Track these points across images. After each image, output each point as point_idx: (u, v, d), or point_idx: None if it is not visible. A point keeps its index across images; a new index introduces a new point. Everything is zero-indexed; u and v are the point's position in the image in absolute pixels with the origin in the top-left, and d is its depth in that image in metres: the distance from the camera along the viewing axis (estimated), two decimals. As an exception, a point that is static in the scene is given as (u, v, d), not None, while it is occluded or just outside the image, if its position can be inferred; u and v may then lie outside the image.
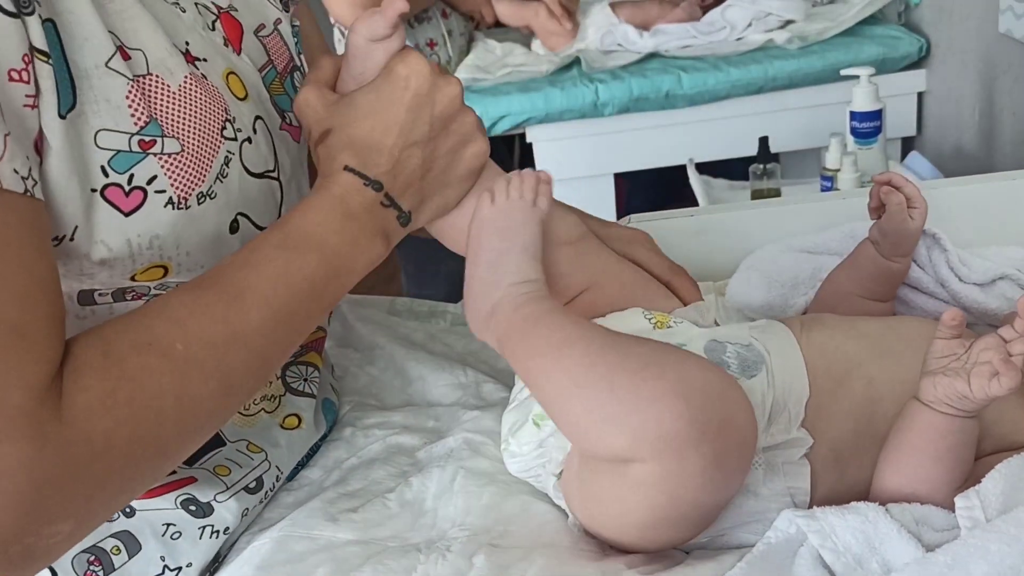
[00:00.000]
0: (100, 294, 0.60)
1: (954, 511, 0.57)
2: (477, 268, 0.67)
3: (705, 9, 1.94)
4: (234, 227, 0.64)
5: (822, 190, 1.54)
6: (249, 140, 0.65)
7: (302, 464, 0.78)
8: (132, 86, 0.57)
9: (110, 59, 0.56)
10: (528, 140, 1.88)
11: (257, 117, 0.66)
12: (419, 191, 0.66)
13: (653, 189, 2.31)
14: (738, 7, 1.88)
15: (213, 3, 0.67)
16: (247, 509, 0.70)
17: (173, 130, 0.59)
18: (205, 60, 0.63)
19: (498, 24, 2.12)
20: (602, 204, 1.91)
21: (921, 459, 0.60)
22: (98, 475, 0.50)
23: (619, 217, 2.02)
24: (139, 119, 0.57)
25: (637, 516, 0.59)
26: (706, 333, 0.69)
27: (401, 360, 0.89)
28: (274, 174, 0.68)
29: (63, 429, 0.48)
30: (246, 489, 0.71)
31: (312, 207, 0.62)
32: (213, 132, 0.61)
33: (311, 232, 0.61)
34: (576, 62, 1.90)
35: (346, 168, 0.64)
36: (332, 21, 1.86)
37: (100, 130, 0.55)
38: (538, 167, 1.89)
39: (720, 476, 0.57)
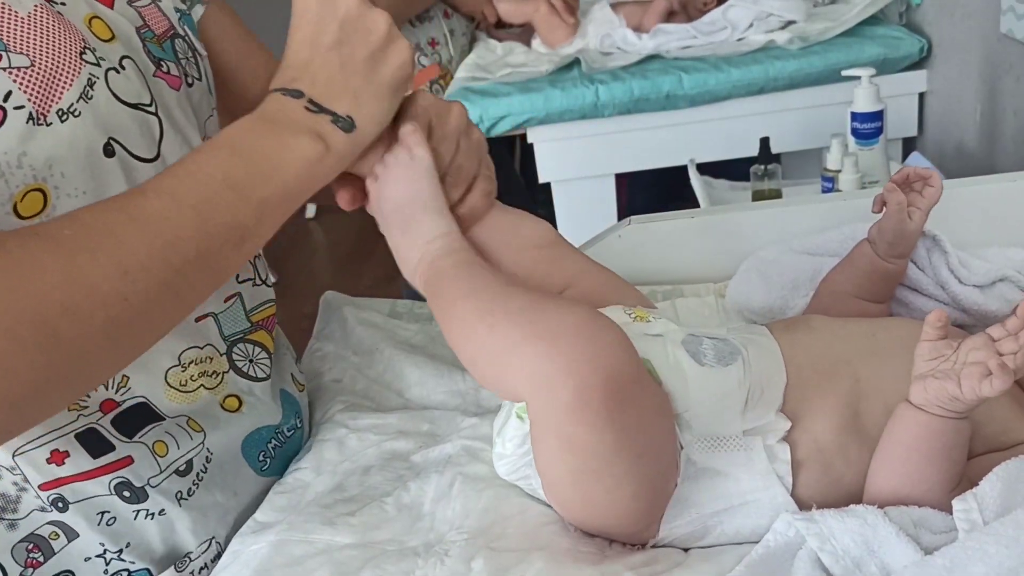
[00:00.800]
0: None
1: (950, 513, 0.57)
2: (392, 239, 0.73)
3: (705, 10, 1.94)
4: (108, 151, 0.64)
5: (823, 191, 1.53)
6: (116, 71, 0.66)
7: (278, 461, 0.77)
8: None
9: None
10: (529, 141, 1.88)
11: (125, 56, 0.68)
12: (348, 94, 0.67)
13: (654, 189, 2.31)
14: (740, 7, 1.88)
15: None
16: (180, 492, 0.70)
17: (20, 47, 0.60)
18: (64, 4, 0.65)
19: (500, 24, 2.12)
20: (603, 205, 1.91)
21: (914, 461, 0.60)
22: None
23: (620, 218, 2.03)
24: None
25: (555, 470, 0.63)
26: (685, 328, 0.71)
27: (400, 365, 0.89)
28: (150, 108, 0.68)
29: None
30: (177, 472, 0.70)
31: (234, 124, 0.64)
32: (69, 53, 0.62)
33: (228, 136, 0.63)
34: (576, 63, 1.90)
35: (270, 92, 0.67)
36: None
37: None
38: (539, 168, 1.89)
39: (594, 412, 0.58)
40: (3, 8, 0.60)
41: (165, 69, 0.72)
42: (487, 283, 0.66)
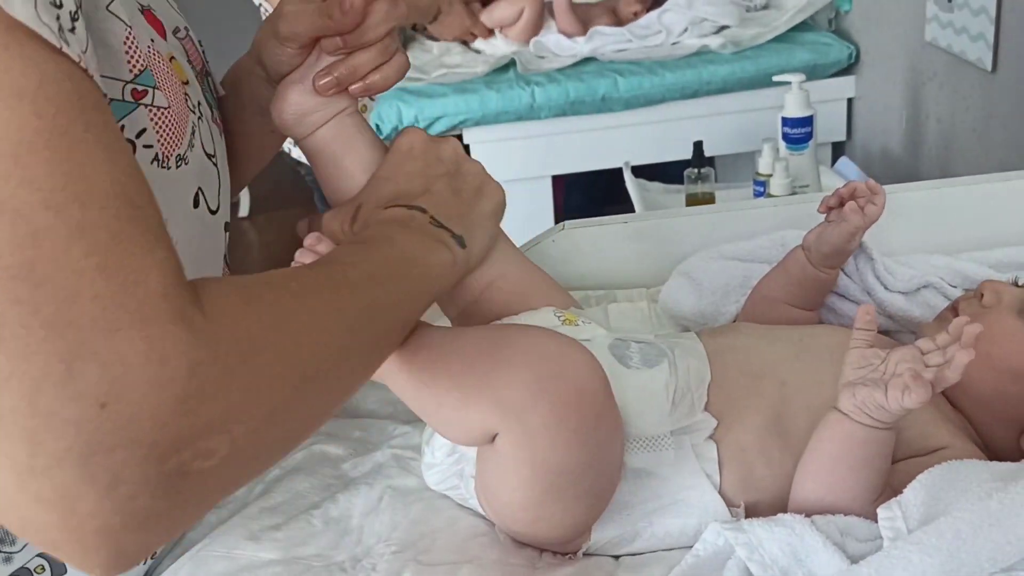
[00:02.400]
0: None
1: (876, 520, 0.58)
2: None
3: (635, 18, 1.95)
4: (196, 201, 0.63)
5: (755, 195, 1.56)
6: (201, 118, 0.65)
7: None
8: (129, 33, 0.56)
9: (111, 2, 0.55)
10: (465, 142, 1.87)
11: (199, 102, 0.67)
12: (461, 217, 0.68)
13: (591, 190, 2.31)
14: (674, 12, 1.89)
15: (137, 1, 0.66)
16: None
17: (162, 84, 0.58)
18: (152, 40, 0.62)
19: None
20: (540, 206, 1.91)
21: (840, 470, 0.61)
22: (249, 381, 0.45)
23: (557, 218, 2.03)
24: (134, 67, 0.56)
25: (519, 495, 0.61)
26: (612, 333, 0.71)
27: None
28: (214, 159, 0.68)
29: (207, 320, 0.44)
30: None
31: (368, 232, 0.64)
32: (182, 98, 0.61)
33: (373, 234, 0.63)
34: (512, 64, 1.90)
35: (389, 206, 0.66)
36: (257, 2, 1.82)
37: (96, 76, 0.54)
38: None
39: (570, 432, 0.57)
40: (151, 47, 0.59)
41: (215, 116, 0.70)
42: (439, 331, 0.64)
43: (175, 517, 0.45)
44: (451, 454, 0.67)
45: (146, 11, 0.67)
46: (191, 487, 0.44)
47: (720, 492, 0.64)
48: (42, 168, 0.41)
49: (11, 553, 0.63)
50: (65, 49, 0.43)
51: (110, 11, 0.55)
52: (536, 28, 1.97)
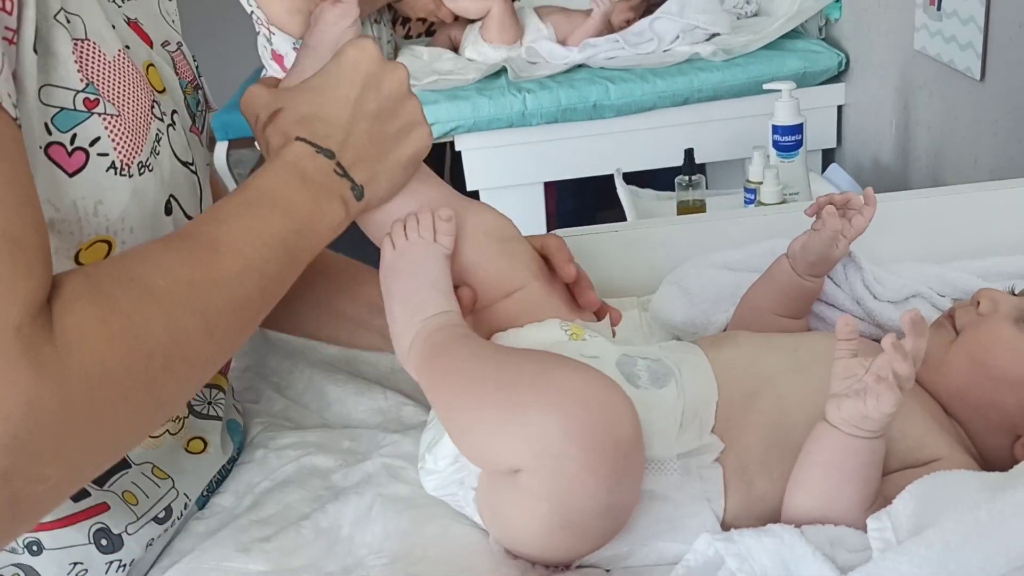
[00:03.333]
0: None
1: (866, 531, 0.58)
2: (392, 310, 0.69)
3: (626, 26, 1.96)
4: (168, 208, 0.64)
5: (746, 202, 1.56)
6: (172, 126, 0.66)
7: (212, 489, 0.76)
8: (75, 45, 0.57)
9: (57, 12, 0.56)
10: (457, 149, 1.87)
11: (174, 111, 0.67)
12: (369, 166, 0.67)
13: (582, 197, 2.32)
14: (666, 19, 1.90)
15: (123, 13, 0.66)
16: (152, 539, 0.68)
17: (109, 95, 0.59)
18: (128, 47, 0.63)
19: (430, 29, 2.10)
20: (532, 212, 1.91)
21: (830, 479, 0.61)
22: (92, 409, 0.47)
23: (548, 225, 2.03)
24: (83, 77, 0.57)
25: (533, 526, 0.60)
26: (618, 348, 0.71)
27: (320, 383, 0.87)
28: (192, 167, 0.68)
29: (58, 353, 0.45)
30: (155, 519, 0.68)
31: (268, 172, 0.63)
32: (144, 106, 0.61)
33: (271, 190, 0.62)
34: (503, 71, 1.90)
35: (298, 138, 0.65)
36: (266, 30, 1.82)
37: (44, 85, 0.54)
38: (467, 176, 1.88)
39: (600, 480, 0.56)
40: (94, 48, 0.58)
41: (197, 124, 0.71)
42: (490, 350, 0.64)
43: (6, 532, 0.47)
44: (454, 463, 0.67)
45: (132, 23, 0.67)
46: (23, 508, 0.45)
47: (723, 521, 0.64)
48: None
49: None
50: None
51: (56, 20, 0.56)
52: (511, 30, 1.96)
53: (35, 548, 0.64)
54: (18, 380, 0.43)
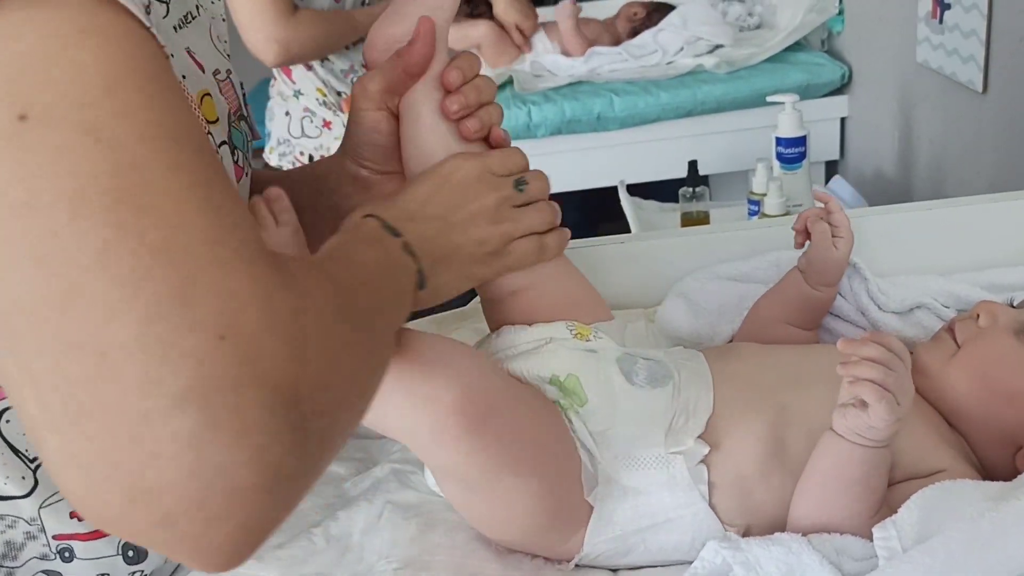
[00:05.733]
0: None
1: (872, 540, 0.58)
2: None
3: (635, 31, 1.98)
4: None
5: (749, 214, 1.57)
6: (220, 159, 0.63)
7: None
8: None
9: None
10: (462, 160, 1.89)
11: (223, 142, 0.65)
12: (436, 253, 0.60)
13: (586, 209, 2.33)
14: (670, 31, 1.91)
15: (182, 42, 0.66)
16: None
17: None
18: (184, 77, 0.61)
19: None
20: (535, 224, 1.92)
21: (836, 489, 0.62)
22: (338, 337, 0.42)
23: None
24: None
25: (452, 497, 0.66)
26: (622, 348, 0.72)
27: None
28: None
29: (297, 276, 0.42)
30: None
31: (342, 234, 0.57)
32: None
33: (333, 249, 0.56)
34: (508, 83, 1.91)
35: (366, 216, 0.59)
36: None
37: None
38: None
39: (453, 437, 0.58)
40: (181, 83, 0.57)
41: (235, 159, 0.66)
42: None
43: (301, 484, 0.40)
44: None
45: (187, 50, 0.66)
46: (312, 447, 0.39)
47: (713, 510, 0.65)
48: (135, 103, 0.39)
49: (12, 568, 0.64)
50: (152, 29, 0.42)
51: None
52: (507, 53, 1.99)
53: (67, 555, 0.64)
54: (278, 286, 0.39)
